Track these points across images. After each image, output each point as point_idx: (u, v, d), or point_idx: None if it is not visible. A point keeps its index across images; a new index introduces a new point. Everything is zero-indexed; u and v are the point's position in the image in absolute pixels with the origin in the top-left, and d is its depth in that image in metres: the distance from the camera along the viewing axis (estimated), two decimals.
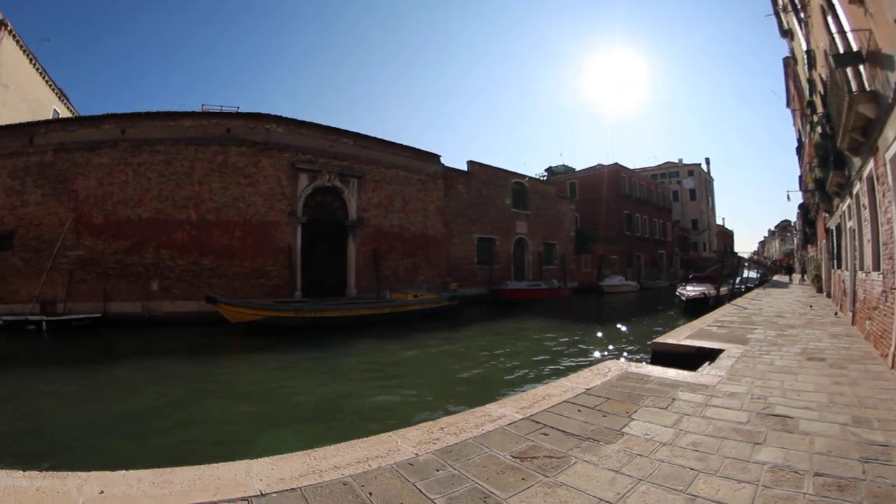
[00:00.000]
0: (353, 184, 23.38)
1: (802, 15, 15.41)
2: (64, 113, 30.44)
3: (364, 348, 14.13)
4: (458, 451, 3.42)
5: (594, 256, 41.33)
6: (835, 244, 16.27)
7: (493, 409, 4.59)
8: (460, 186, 29.59)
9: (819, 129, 13.08)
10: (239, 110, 21.77)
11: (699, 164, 72.36)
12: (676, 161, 72.87)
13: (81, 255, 18.15)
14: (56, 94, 30.77)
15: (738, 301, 20.00)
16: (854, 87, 8.32)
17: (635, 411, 4.56)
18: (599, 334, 17.24)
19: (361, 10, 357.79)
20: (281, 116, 21.43)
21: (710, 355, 8.15)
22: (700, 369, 7.30)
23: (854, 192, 10.53)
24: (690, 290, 23.39)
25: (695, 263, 54.11)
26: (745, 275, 37.13)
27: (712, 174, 76.99)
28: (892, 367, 6.51)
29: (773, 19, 23.89)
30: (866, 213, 9.10)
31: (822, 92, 13.50)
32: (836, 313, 12.52)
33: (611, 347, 14.45)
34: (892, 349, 6.56)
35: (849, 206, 11.84)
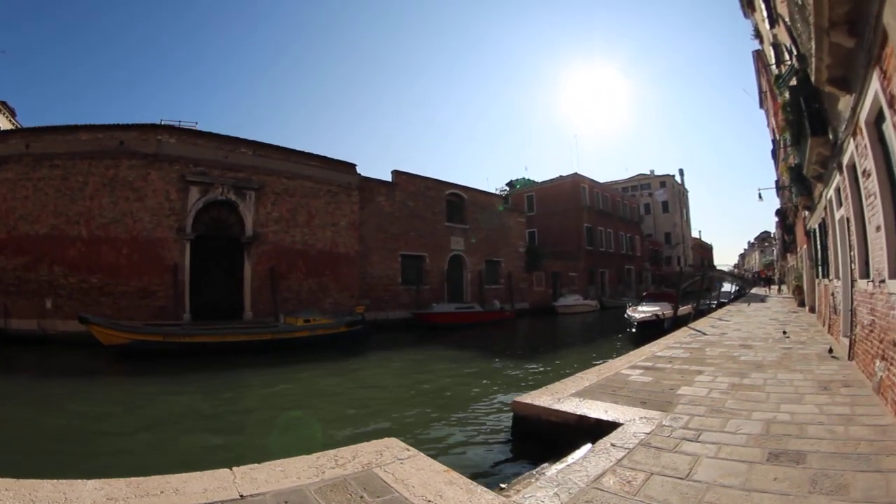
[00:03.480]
0: (250, 197, 20.99)
1: None
2: (6, 127, 28.46)
3: (196, 383, 11.67)
4: None
5: (547, 274, 37.05)
6: (818, 247, 12.63)
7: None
8: (381, 199, 26.15)
9: (788, 84, 9.21)
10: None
11: (672, 176, 68.22)
12: (648, 173, 69.14)
13: None
14: None
15: (701, 322, 16.27)
16: None
17: None
18: (505, 371, 13.35)
19: (319, 24, 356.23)
20: (174, 126, 20.05)
21: (597, 432, 4.80)
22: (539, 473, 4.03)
23: (844, 161, 6.83)
24: (641, 312, 19.23)
25: (667, 279, 50.27)
26: (721, 288, 33.82)
27: (687, 186, 73.78)
28: None
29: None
30: (871, 184, 5.24)
31: (788, 44, 9.91)
32: (829, 350, 8.19)
33: (480, 396, 10.44)
34: None
35: (837, 189, 8.15)
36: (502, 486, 4.34)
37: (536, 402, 5.82)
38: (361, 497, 3.08)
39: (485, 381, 11.98)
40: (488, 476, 5.37)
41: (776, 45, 13.64)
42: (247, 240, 20.63)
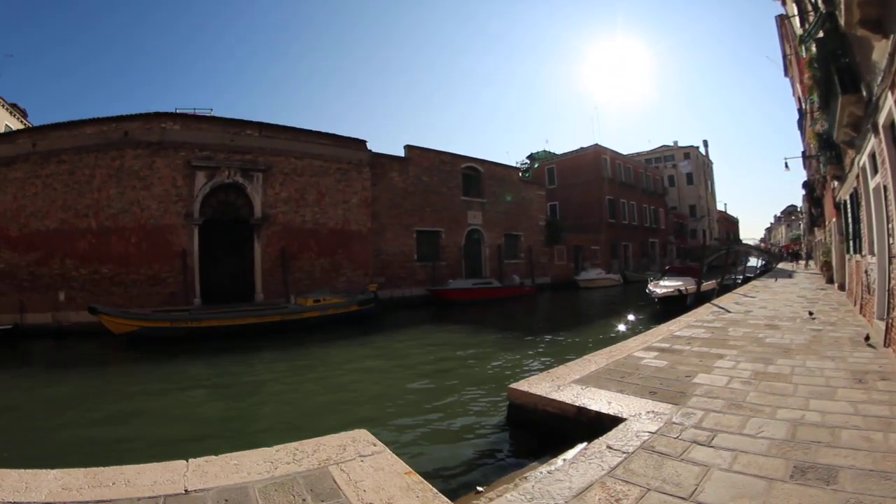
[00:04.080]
0: (258, 178, 20.73)
1: None
2: (17, 128, 29.19)
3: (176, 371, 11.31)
4: None
5: (569, 248, 36.09)
6: (849, 220, 11.70)
7: None
8: (394, 174, 25.44)
9: (815, 36, 8.35)
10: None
11: (696, 147, 65.89)
12: (671, 144, 66.68)
13: (1, 269, 17.73)
14: (7, 110, 30.85)
15: (725, 298, 15.61)
16: None
17: None
18: (516, 351, 12.53)
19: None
20: (178, 113, 19.88)
21: (597, 427, 4.35)
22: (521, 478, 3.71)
23: (881, 120, 6.20)
24: (663, 287, 18.45)
25: (692, 252, 49.05)
26: (746, 263, 32.87)
27: (712, 157, 71.65)
28: None
29: None
30: None
31: None
32: (866, 337, 7.15)
33: (484, 379, 9.67)
34: None
35: (872, 154, 7.47)
36: (479, 488, 4.00)
37: (532, 391, 5.32)
38: (304, 500, 2.85)
39: (493, 362, 11.37)
40: (472, 471, 4.97)
41: (799, 1, 12.61)
42: (256, 221, 20.38)
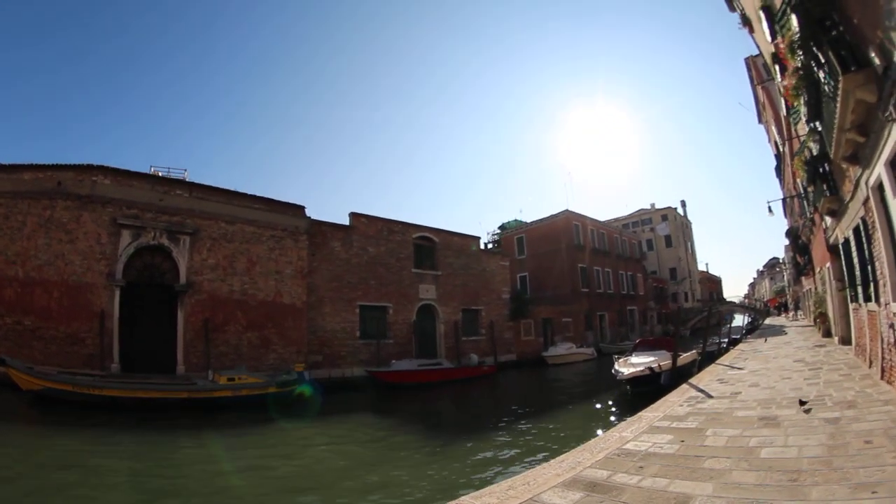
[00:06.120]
0: (184, 242, 19.72)
1: None
2: None
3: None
4: None
5: (537, 321, 33.53)
6: (852, 262, 9.50)
7: None
8: (336, 244, 23.90)
9: (793, 5, 6.12)
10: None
11: (674, 208, 65.62)
12: (648, 207, 66.08)
13: None
14: None
15: (707, 373, 12.97)
16: None
17: None
18: (431, 462, 9.88)
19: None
20: (108, 167, 19.20)
21: None
22: None
23: None
24: (632, 365, 15.72)
25: (674, 317, 46.61)
26: (731, 322, 30.85)
27: (691, 217, 70.55)
28: None
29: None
30: None
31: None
32: None
33: None
34: None
35: (893, 160, 5.34)
36: None
37: None
38: None
39: (373, 485, 8.68)
40: None
41: (767, 7, 10.46)
42: (180, 288, 19.39)
